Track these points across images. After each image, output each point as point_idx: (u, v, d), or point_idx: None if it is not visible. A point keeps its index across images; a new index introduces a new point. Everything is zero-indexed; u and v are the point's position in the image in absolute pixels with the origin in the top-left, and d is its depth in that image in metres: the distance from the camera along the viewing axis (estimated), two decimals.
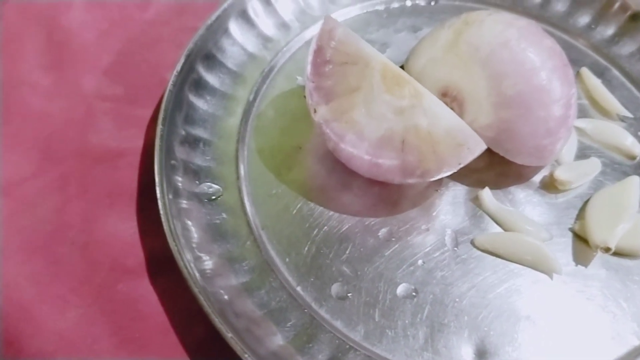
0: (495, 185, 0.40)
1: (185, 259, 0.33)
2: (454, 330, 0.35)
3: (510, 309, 0.36)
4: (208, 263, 0.35)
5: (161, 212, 0.35)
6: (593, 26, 0.51)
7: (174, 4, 0.52)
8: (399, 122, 0.34)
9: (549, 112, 0.36)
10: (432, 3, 0.52)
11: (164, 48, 0.48)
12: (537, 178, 0.41)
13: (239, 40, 0.46)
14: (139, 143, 0.42)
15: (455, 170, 0.36)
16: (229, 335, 0.31)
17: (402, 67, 0.41)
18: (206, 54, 0.44)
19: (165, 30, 0.50)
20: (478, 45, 0.37)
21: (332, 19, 0.36)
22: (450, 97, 0.38)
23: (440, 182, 0.40)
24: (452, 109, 0.36)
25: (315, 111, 0.36)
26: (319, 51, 0.36)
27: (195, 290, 0.32)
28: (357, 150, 0.35)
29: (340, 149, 0.36)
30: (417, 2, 0.52)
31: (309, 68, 0.36)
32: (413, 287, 0.36)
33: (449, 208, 0.40)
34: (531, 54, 0.36)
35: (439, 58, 0.39)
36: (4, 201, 0.39)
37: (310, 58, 0.36)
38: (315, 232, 0.38)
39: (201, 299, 0.32)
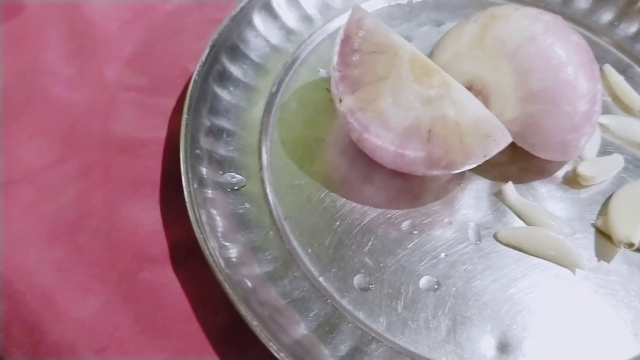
0: (518, 180, 0.40)
1: (211, 247, 0.33)
2: (477, 323, 0.35)
3: (532, 303, 0.35)
4: (232, 251, 0.35)
5: (187, 200, 0.35)
6: (616, 23, 0.51)
7: None
8: (426, 112, 0.34)
9: (575, 108, 0.36)
10: None
11: (186, 39, 0.48)
12: (560, 173, 0.41)
13: (262, 32, 0.46)
14: (161, 133, 0.42)
15: (480, 163, 0.35)
16: (254, 323, 0.30)
17: None
18: (230, 45, 0.44)
19: (186, 21, 0.50)
20: (505, 39, 0.37)
21: (361, 9, 0.36)
22: (475, 91, 0.38)
23: (462, 175, 0.40)
24: None
25: (340, 101, 0.36)
26: (346, 40, 0.35)
27: (220, 277, 0.32)
28: (382, 141, 0.35)
29: (364, 139, 0.36)
30: None
31: (335, 57, 0.36)
32: (435, 280, 0.36)
33: (472, 202, 0.40)
34: (558, 49, 0.36)
35: (464, 52, 0.39)
36: (27, 188, 0.39)
37: (337, 48, 0.36)
38: (337, 223, 0.38)
39: (226, 286, 0.32)
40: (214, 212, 0.36)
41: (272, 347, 0.30)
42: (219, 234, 0.35)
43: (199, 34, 0.47)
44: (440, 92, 0.34)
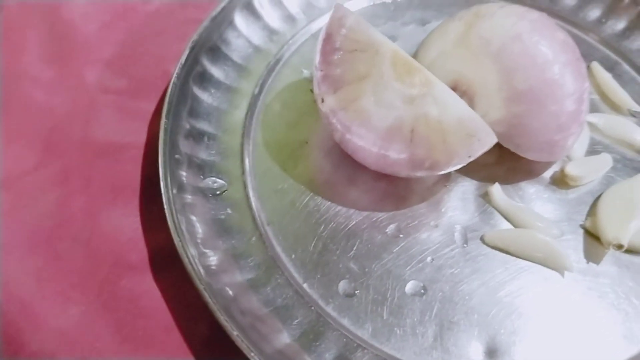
0: (505, 181, 0.40)
1: (190, 255, 0.32)
2: (464, 328, 0.34)
3: (520, 307, 0.35)
4: (213, 259, 0.34)
5: (165, 206, 0.34)
6: (603, 20, 0.50)
7: None
8: (408, 111, 0.34)
9: (561, 107, 0.36)
10: None
11: (167, 40, 0.48)
12: (548, 174, 0.41)
13: (244, 32, 0.45)
14: (142, 137, 0.41)
15: (464, 164, 0.35)
16: (234, 333, 0.30)
17: None
18: (211, 46, 0.43)
19: (168, 22, 0.49)
20: (489, 38, 0.36)
21: (343, 7, 0.35)
22: (460, 91, 0.37)
23: (449, 177, 0.40)
24: None
25: (322, 101, 0.35)
26: (328, 39, 0.35)
27: (200, 286, 0.31)
28: (364, 141, 0.35)
29: (346, 140, 0.35)
30: None
31: (317, 57, 0.35)
32: (422, 285, 0.35)
33: (458, 204, 0.39)
34: (543, 48, 0.35)
35: (449, 51, 0.38)
36: (5, 195, 0.38)
37: (319, 46, 0.35)
38: (321, 228, 0.37)
39: (206, 295, 0.31)
40: (194, 218, 0.35)
41: (254, 358, 0.29)
42: (199, 241, 0.34)
43: (181, 35, 0.46)
44: (422, 91, 0.34)
